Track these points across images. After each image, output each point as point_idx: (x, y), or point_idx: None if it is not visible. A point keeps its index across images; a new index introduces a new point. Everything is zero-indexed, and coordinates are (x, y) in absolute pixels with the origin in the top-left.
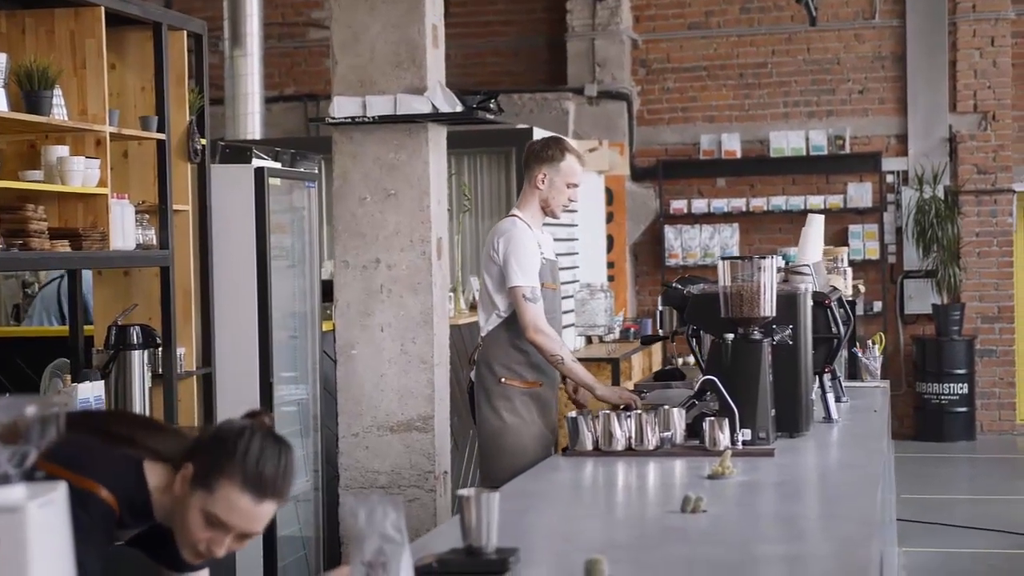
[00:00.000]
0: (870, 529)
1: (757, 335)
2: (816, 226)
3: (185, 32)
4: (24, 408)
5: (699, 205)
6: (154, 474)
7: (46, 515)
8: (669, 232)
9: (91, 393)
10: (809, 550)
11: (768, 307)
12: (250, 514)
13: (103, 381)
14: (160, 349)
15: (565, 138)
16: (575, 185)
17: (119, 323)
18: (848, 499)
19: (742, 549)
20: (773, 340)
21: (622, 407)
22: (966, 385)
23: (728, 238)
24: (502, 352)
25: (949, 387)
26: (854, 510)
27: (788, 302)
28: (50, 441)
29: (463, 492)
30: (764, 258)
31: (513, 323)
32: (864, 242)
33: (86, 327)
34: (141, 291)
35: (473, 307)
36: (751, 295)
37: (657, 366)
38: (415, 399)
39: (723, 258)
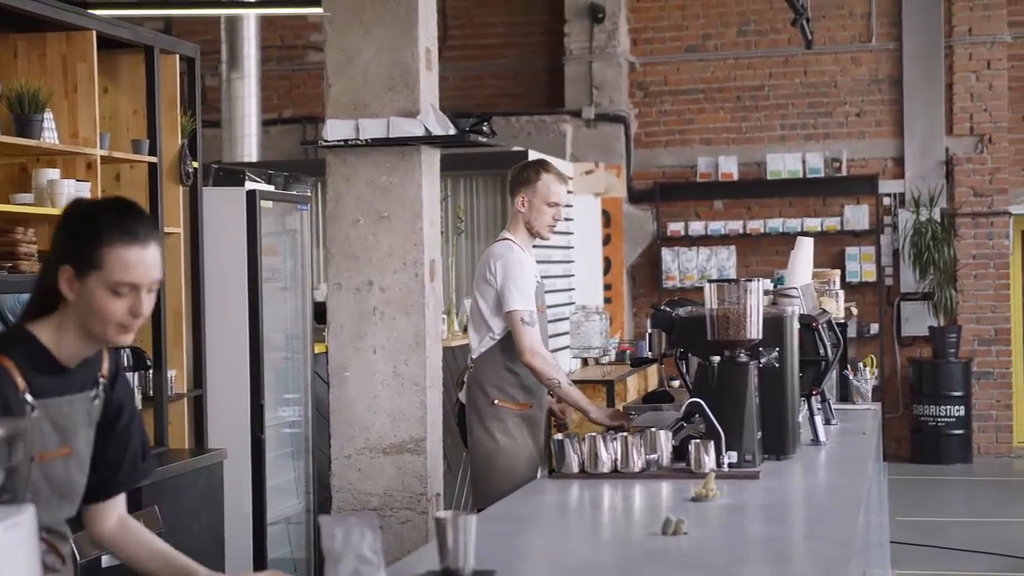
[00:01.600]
0: (850, 551)
1: (743, 358)
2: (805, 249)
3: (177, 56)
4: None
5: (696, 227)
6: (42, 329)
7: (12, 538)
8: (666, 254)
9: None
10: (788, 572)
11: (754, 330)
12: (143, 261)
13: None
14: (151, 371)
15: (547, 159)
16: (556, 204)
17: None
18: (830, 521)
19: (722, 571)
20: (759, 363)
21: (615, 428)
22: (963, 407)
23: (725, 260)
24: (494, 374)
25: (946, 409)
26: (836, 532)
27: (775, 325)
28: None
29: (440, 514)
30: (750, 281)
31: (506, 345)
32: (861, 264)
33: None
34: None
35: (467, 329)
36: (737, 318)
37: (652, 388)
38: (408, 421)
39: (710, 281)
